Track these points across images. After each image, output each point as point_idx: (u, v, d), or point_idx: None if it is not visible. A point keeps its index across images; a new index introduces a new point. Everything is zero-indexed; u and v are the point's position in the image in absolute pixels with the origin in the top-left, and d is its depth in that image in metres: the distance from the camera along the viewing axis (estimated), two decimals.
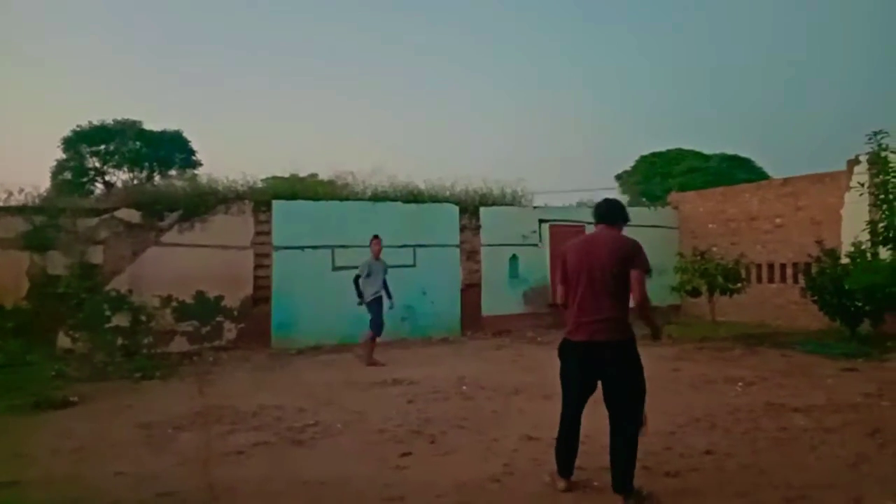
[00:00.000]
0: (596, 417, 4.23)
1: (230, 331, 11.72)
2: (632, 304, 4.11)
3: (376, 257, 10.30)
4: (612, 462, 4.04)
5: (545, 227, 14.62)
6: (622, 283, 4.08)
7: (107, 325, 10.71)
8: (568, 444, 4.22)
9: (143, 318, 10.96)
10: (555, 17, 58.98)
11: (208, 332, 11.53)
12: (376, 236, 10.42)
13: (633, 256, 4.10)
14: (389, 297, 10.42)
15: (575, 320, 4.16)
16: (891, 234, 10.41)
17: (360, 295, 10.15)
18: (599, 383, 4.14)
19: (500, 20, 60.92)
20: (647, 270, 4.11)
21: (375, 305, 10.14)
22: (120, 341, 10.65)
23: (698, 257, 12.52)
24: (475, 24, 61.15)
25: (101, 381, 8.79)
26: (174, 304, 11.33)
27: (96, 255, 10.94)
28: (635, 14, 59.21)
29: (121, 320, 10.82)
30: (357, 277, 10.21)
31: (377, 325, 10.15)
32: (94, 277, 10.80)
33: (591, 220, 4.58)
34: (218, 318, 11.63)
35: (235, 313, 11.76)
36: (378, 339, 10.32)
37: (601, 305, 4.06)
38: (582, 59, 60.21)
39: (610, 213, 4.37)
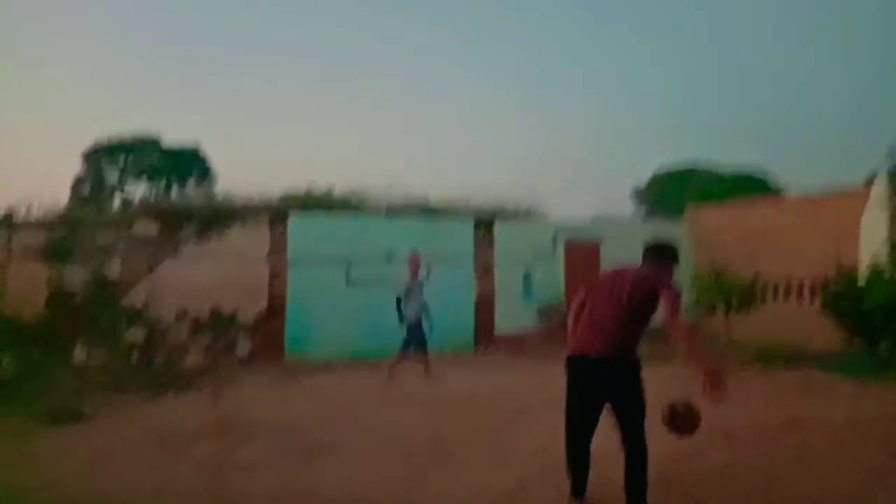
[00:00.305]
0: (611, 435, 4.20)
1: (244, 345, 11.75)
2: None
3: (414, 277, 10.04)
4: (627, 488, 3.98)
5: (560, 242, 14.60)
6: (640, 312, 3.97)
7: (122, 339, 10.79)
8: (577, 467, 4.15)
9: (159, 331, 11.03)
10: (563, 23, 59.22)
11: (222, 346, 11.57)
12: (414, 255, 10.25)
13: (661, 285, 3.93)
14: (427, 316, 10.12)
15: (574, 336, 4.18)
16: None
17: (401, 319, 9.88)
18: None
19: (506, 27, 61.27)
20: (676, 294, 3.86)
21: (413, 327, 9.89)
22: (135, 355, 10.72)
23: (714, 274, 12.43)
24: (486, 34, 61.55)
25: (116, 393, 8.83)
26: (189, 317, 11.39)
27: (113, 269, 11.04)
28: (648, 22, 59.32)
29: (136, 334, 10.89)
30: (399, 301, 9.92)
31: (406, 343, 9.93)
32: (110, 290, 10.90)
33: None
34: (232, 333, 11.67)
35: (249, 327, 11.80)
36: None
37: (605, 328, 3.99)
38: (592, 65, 60.32)
39: (651, 249, 4.24)
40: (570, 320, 4.31)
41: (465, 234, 13.82)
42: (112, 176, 30.19)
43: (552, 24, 59.18)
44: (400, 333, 9.96)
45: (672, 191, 28.88)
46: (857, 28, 53.57)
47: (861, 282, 10.82)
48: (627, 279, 4.06)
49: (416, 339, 9.93)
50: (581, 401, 4.09)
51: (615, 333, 3.99)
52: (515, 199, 14.93)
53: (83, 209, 16.19)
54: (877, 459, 5.15)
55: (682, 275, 14.02)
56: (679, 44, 59.87)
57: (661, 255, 4.19)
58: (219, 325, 11.55)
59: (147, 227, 11.40)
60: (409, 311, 9.87)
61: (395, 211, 13.56)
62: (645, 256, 4.24)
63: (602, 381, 4.00)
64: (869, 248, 11.45)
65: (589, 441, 4.08)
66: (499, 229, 14.13)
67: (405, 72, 60.57)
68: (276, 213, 12.37)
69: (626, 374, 4.02)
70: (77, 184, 29.49)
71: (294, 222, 12.36)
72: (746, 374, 9.80)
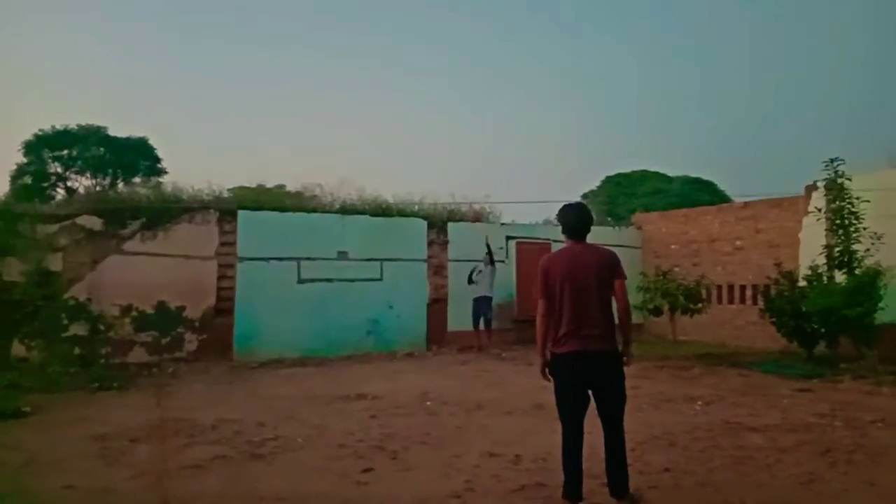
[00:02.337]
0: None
1: (191, 342, 11.52)
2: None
3: (490, 264, 13.25)
4: (609, 468, 4.11)
5: (512, 243, 14.73)
6: (607, 294, 4.15)
7: (63, 335, 10.48)
8: (573, 461, 4.11)
9: (102, 327, 10.76)
10: (521, 32, 59.72)
11: (168, 343, 11.33)
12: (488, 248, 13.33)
13: (616, 266, 4.21)
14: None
15: (565, 332, 4.11)
16: (846, 259, 10.71)
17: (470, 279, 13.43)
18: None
19: (465, 36, 61.48)
20: (625, 279, 4.23)
21: (483, 303, 13.13)
22: (77, 351, 10.43)
23: (661, 277, 12.72)
24: (441, 40, 61.64)
25: (55, 391, 8.57)
26: (134, 313, 11.11)
27: (55, 263, 10.69)
28: (600, 37, 60.29)
29: (78, 329, 10.60)
30: (470, 275, 13.42)
31: (475, 317, 13.34)
32: (51, 285, 10.55)
33: (560, 234, 4.53)
34: (179, 329, 11.43)
35: (197, 324, 11.58)
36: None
37: (591, 316, 4.08)
38: (548, 78, 61.00)
39: (585, 228, 4.31)
40: (542, 311, 4.20)
41: (418, 234, 13.82)
42: (55, 167, 29.18)
43: (507, 30, 59.62)
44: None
45: (622, 195, 29.45)
46: (796, 47, 55.43)
47: (800, 286, 11.21)
48: (593, 265, 4.15)
49: (477, 314, 13.21)
50: (579, 396, 4.12)
51: (605, 324, 4.12)
52: (468, 200, 14.99)
53: (23, 201, 15.59)
54: (812, 462, 5.34)
55: (631, 278, 14.47)
56: (633, 54, 60.97)
57: (586, 233, 4.31)
58: (165, 320, 11.32)
59: (91, 221, 11.06)
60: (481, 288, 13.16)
61: (348, 210, 13.46)
62: (581, 230, 4.29)
63: (598, 372, 4.10)
64: (808, 254, 11.87)
65: (582, 436, 4.14)
66: (452, 230, 14.17)
67: (359, 72, 60.22)
68: (226, 209, 12.14)
69: (619, 366, 4.18)
70: (17, 174, 28.40)
71: (244, 218, 12.15)
72: (689, 375, 10.06)
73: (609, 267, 4.18)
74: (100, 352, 10.65)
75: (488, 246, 13.39)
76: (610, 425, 4.15)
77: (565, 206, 4.43)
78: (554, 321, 4.18)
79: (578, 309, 4.08)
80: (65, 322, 10.54)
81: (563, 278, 4.14)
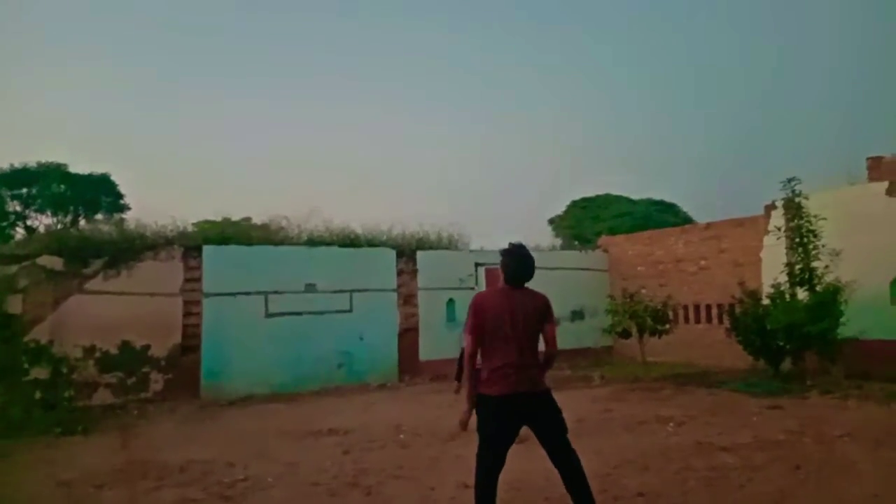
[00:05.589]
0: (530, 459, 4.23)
1: (157, 381, 11.28)
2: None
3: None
4: (574, 493, 3.98)
5: (481, 270, 14.78)
6: (537, 336, 4.14)
7: (25, 378, 10.18)
8: (487, 499, 3.97)
9: (65, 369, 10.47)
10: (484, 57, 60.47)
11: (134, 384, 11.08)
12: (493, 269, 9.40)
13: (549, 310, 4.21)
14: None
15: (498, 372, 4.00)
16: (806, 276, 10.96)
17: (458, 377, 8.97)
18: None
19: (428, 61, 62.16)
20: (556, 325, 4.26)
21: None
22: (38, 394, 10.13)
23: (628, 299, 12.86)
24: (409, 67, 62.17)
25: (17, 437, 8.30)
26: (98, 354, 10.86)
27: (15, 305, 10.42)
28: (564, 65, 61.39)
29: (40, 372, 10.30)
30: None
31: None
32: (11, 327, 10.27)
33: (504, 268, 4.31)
34: (144, 369, 11.19)
35: (163, 363, 11.35)
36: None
37: (524, 357, 4.03)
38: (513, 99, 61.75)
39: (526, 277, 4.22)
40: (472, 349, 4.12)
41: (387, 264, 13.79)
42: (14, 205, 28.55)
43: (473, 59, 60.32)
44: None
45: (588, 219, 29.82)
46: (755, 68, 57.08)
47: (764, 304, 11.43)
48: (530, 308, 4.11)
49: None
50: (505, 437, 4.01)
51: (536, 364, 4.09)
52: (437, 228, 15.03)
53: None
54: (783, 479, 5.41)
55: (598, 301, 14.62)
56: (598, 81, 62.16)
57: (528, 279, 4.23)
58: (129, 360, 11.08)
59: (52, 261, 10.83)
60: None
61: (316, 241, 13.39)
62: (520, 279, 4.20)
63: (530, 412, 4.02)
64: (770, 272, 12.11)
65: (498, 476, 4.02)
66: (421, 258, 14.18)
67: (326, 102, 60.34)
68: (191, 244, 11.99)
69: (551, 398, 4.11)
70: None
71: (209, 252, 12.01)
72: (660, 397, 10.13)
73: (543, 311, 4.16)
74: (63, 394, 10.35)
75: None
76: (560, 453, 4.03)
77: (507, 253, 4.26)
78: (484, 360, 4.10)
79: (512, 349, 4.00)
80: (25, 365, 10.25)
81: (496, 317, 4.04)
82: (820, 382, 10.22)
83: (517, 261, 4.22)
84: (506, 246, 4.30)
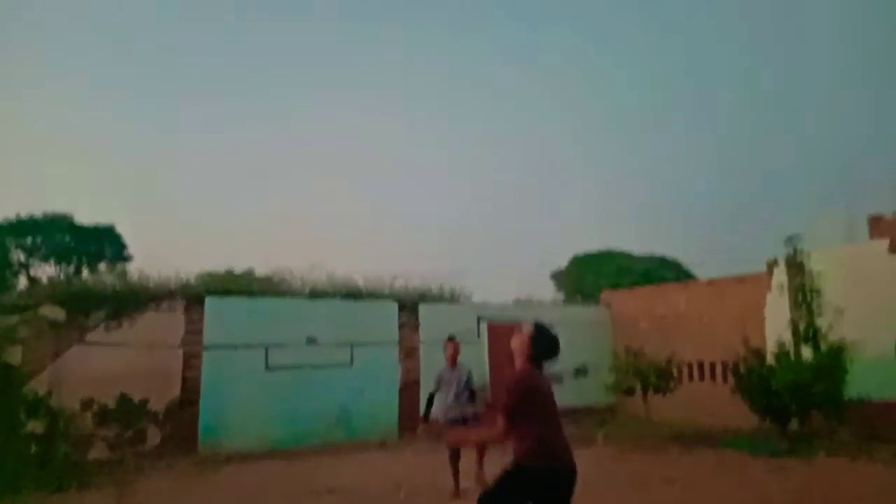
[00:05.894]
0: None
1: (154, 436, 11.10)
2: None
3: (451, 365, 8.38)
4: None
5: (483, 324, 14.72)
6: None
7: (21, 431, 10.04)
8: None
9: (61, 422, 10.33)
10: (478, 107, 61.45)
11: (131, 438, 10.91)
12: (450, 338, 8.60)
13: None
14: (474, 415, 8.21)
15: (558, 446, 3.94)
16: (811, 334, 10.90)
17: (425, 416, 8.45)
18: None
19: (422, 108, 63.17)
20: None
21: (454, 423, 7.99)
22: (34, 448, 9.97)
23: (632, 356, 12.77)
24: (404, 121, 63.16)
25: (10, 493, 8.16)
26: (95, 407, 10.74)
27: (14, 355, 10.36)
28: (560, 112, 62.36)
29: (36, 425, 10.17)
30: (431, 395, 8.47)
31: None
32: (9, 379, 10.18)
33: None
34: (141, 423, 11.03)
35: (161, 417, 11.19)
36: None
37: (564, 435, 4.02)
38: (512, 152, 62.49)
39: (556, 357, 4.19)
40: (508, 430, 3.92)
41: (389, 317, 13.75)
42: (18, 255, 28.72)
43: (468, 109, 61.31)
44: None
45: (590, 274, 29.82)
46: (752, 122, 57.95)
47: (769, 362, 11.33)
48: (550, 389, 4.13)
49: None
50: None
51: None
52: (439, 282, 15.05)
53: None
54: None
55: (600, 356, 14.51)
56: (597, 135, 63.07)
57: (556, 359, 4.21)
58: (127, 414, 10.95)
59: (54, 311, 10.81)
60: (443, 405, 8.21)
61: (318, 294, 13.39)
62: (550, 359, 4.18)
63: (569, 487, 3.92)
64: (774, 330, 12.05)
65: None
66: (423, 311, 14.14)
67: (324, 154, 61.09)
68: (193, 296, 11.99)
69: None
70: None
71: (211, 305, 11.99)
72: (665, 457, 9.98)
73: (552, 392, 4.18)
74: (59, 449, 10.20)
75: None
76: None
77: (540, 332, 4.17)
78: (527, 435, 3.92)
79: (557, 427, 3.99)
80: (22, 418, 10.12)
81: (544, 395, 4.03)
82: (827, 443, 10.06)
83: (552, 342, 4.18)
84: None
